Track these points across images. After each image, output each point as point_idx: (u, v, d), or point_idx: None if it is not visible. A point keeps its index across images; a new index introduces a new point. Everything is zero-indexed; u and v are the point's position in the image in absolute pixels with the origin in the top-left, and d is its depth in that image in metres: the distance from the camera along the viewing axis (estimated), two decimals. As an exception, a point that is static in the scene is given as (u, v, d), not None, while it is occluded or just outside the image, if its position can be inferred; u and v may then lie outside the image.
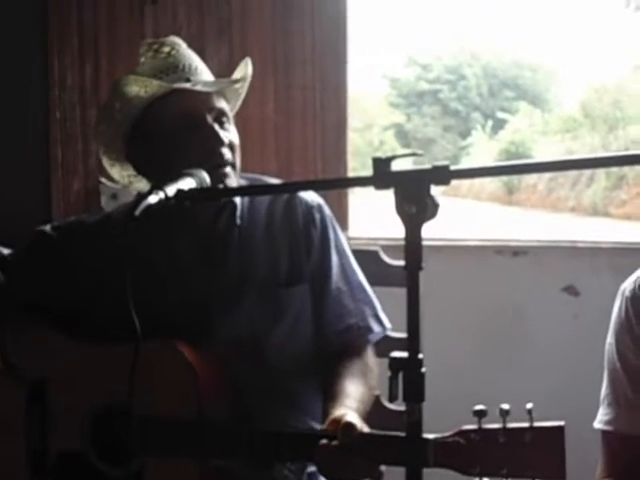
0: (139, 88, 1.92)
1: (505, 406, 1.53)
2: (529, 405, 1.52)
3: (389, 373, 1.43)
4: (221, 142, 1.93)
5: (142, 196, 1.54)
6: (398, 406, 2.00)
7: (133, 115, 1.97)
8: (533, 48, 12.82)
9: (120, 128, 2.00)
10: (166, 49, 2.00)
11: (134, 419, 1.52)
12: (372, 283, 2.15)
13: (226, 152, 1.93)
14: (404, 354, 1.42)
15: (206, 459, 1.80)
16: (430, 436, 1.56)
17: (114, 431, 1.85)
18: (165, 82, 1.94)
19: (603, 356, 2.07)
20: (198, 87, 1.93)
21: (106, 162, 2.09)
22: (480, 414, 1.55)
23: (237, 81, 2.02)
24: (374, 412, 2.00)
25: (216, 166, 1.87)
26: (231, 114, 2.04)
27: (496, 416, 1.56)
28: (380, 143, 11.54)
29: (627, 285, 2.02)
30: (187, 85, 1.93)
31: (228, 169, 1.93)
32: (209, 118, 1.94)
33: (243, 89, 2.08)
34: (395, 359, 1.43)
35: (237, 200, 2.04)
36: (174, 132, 1.92)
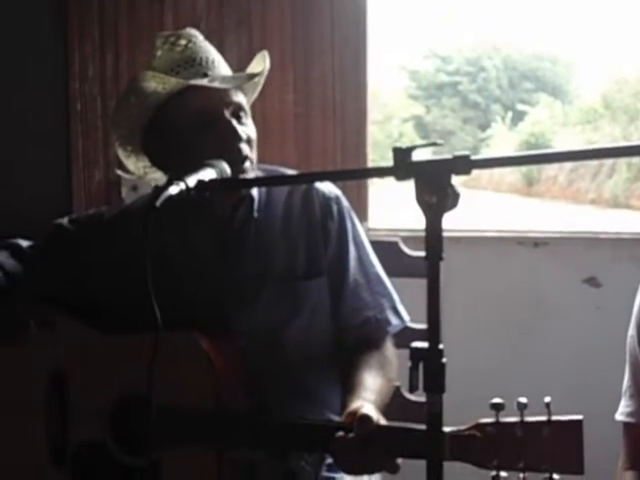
0: (157, 84, 1.91)
1: (523, 399, 1.52)
2: (547, 399, 1.51)
3: (409, 364, 1.43)
4: (239, 138, 1.92)
5: (161, 187, 1.53)
6: (418, 397, 2.00)
7: (150, 110, 1.97)
8: (553, 40, 12.75)
9: (137, 121, 2.00)
10: (183, 42, 1.99)
11: (152, 410, 1.52)
12: (392, 274, 2.14)
13: (244, 147, 1.92)
14: (425, 344, 1.41)
15: (223, 450, 1.81)
16: (447, 429, 1.55)
17: (132, 421, 1.86)
18: (182, 77, 1.93)
19: (625, 348, 2.05)
20: (215, 84, 1.91)
21: (121, 153, 2.08)
22: (497, 407, 1.54)
23: (255, 75, 2.00)
24: (395, 403, 2.00)
25: (234, 162, 1.84)
26: (248, 106, 2.04)
27: (515, 409, 1.55)
28: (399, 135, 11.52)
29: None
30: (204, 82, 1.92)
31: (247, 164, 1.92)
32: (227, 113, 1.93)
33: (260, 82, 2.07)
34: (416, 349, 1.42)
35: (254, 193, 2.03)
36: (191, 128, 1.91)
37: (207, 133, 1.90)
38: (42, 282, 2.05)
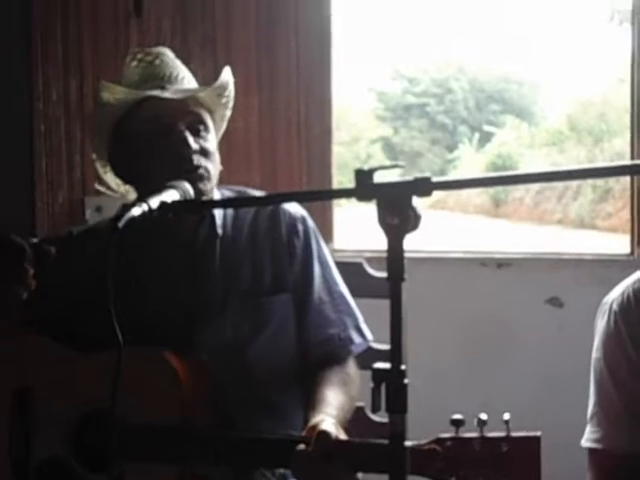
0: (109, 95, 1.94)
1: (483, 416, 1.53)
2: (506, 415, 1.52)
3: (372, 384, 1.43)
4: (189, 148, 1.93)
5: (125, 208, 1.55)
6: (382, 417, 2.00)
7: (109, 121, 1.99)
8: (519, 62, 12.90)
9: (102, 133, 2.02)
10: (149, 58, 2.01)
11: (115, 425, 1.52)
12: (356, 295, 2.15)
13: (196, 158, 1.93)
14: (387, 365, 1.42)
15: (186, 466, 1.80)
16: (406, 443, 1.56)
17: (96, 438, 1.85)
18: (138, 90, 1.95)
19: (588, 367, 2.05)
20: (166, 94, 1.93)
21: (100, 170, 2.10)
22: (457, 423, 1.55)
23: (205, 89, 2.00)
24: (358, 423, 2.00)
25: (187, 172, 1.87)
26: (217, 125, 2.06)
27: (476, 426, 1.56)
28: (367, 156, 11.59)
29: (614, 298, 1.98)
30: (154, 93, 1.94)
31: (200, 172, 1.93)
32: (181, 124, 1.94)
33: (227, 99, 2.08)
34: (378, 370, 1.42)
35: (216, 212, 2.04)
36: (146, 138, 1.94)
37: (160, 143, 1.93)
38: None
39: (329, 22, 3.20)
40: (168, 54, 2.04)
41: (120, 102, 1.95)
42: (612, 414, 1.96)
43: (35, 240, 2.12)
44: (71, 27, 3.22)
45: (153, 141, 1.93)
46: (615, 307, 1.97)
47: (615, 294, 1.99)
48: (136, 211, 1.55)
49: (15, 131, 3.25)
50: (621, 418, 1.94)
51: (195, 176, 1.90)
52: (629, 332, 1.94)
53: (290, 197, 2.11)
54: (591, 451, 1.98)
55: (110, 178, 2.11)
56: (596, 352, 2.01)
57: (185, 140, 1.93)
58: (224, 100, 2.07)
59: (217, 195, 2.04)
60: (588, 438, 1.98)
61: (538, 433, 1.54)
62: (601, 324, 2.00)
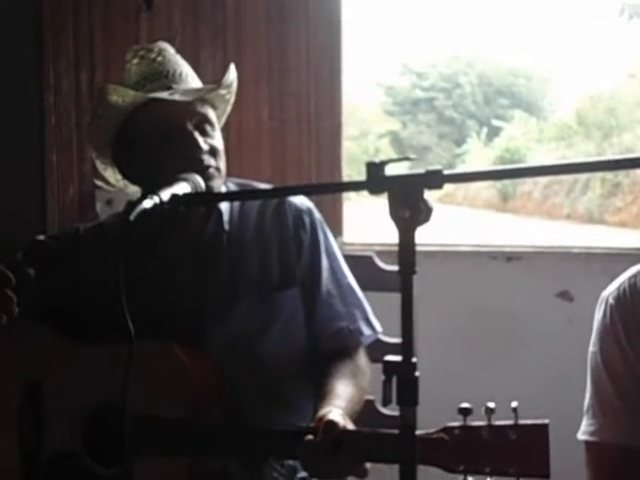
0: (117, 97, 1.94)
1: (491, 404, 1.54)
2: (514, 404, 1.53)
3: (383, 377, 1.43)
4: (200, 149, 1.94)
5: (135, 201, 1.53)
6: (392, 411, 2.00)
7: (115, 122, 1.99)
8: (528, 56, 12.87)
9: (105, 134, 2.02)
10: (152, 55, 2.01)
11: (127, 419, 1.52)
12: (367, 288, 2.15)
13: (206, 158, 1.94)
14: (398, 358, 1.42)
15: (196, 459, 1.81)
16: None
17: (107, 431, 1.85)
18: (147, 90, 1.96)
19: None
20: (176, 96, 1.93)
21: (99, 166, 2.11)
22: (465, 412, 1.56)
23: (215, 88, 2.01)
24: (368, 417, 2.00)
25: (197, 172, 1.85)
26: (218, 120, 2.06)
27: (483, 414, 1.56)
28: (376, 151, 11.57)
29: (610, 292, 1.98)
30: (164, 94, 1.93)
31: (211, 172, 1.94)
32: (189, 125, 1.95)
33: (230, 94, 2.08)
34: (389, 363, 1.42)
35: (223, 206, 2.04)
36: (154, 140, 1.94)
37: (169, 145, 1.93)
38: (25, 295, 2.04)
39: (339, 16, 3.20)
40: (169, 49, 2.05)
41: (127, 104, 1.95)
42: (608, 407, 1.96)
43: (42, 237, 2.14)
44: (82, 20, 3.22)
45: (162, 143, 1.93)
46: (611, 300, 1.97)
47: (612, 287, 2.00)
48: (147, 203, 1.53)
49: (26, 124, 3.25)
50: (616, 411, 1.94)
51: (206, 175, 1.90)
52: (624, 325, 1.95)
53: (302, 190, 2.11)
54: (587, 444, 1.98)
55: (109, 174, 2.12)
56: (593, 346, 2.01)
57: (195, 141, 1.94)
58: (227, 96, 2.08)
59: (223, 189, 2.04)
60: (585, 431, 1.99)
61: (546, 421, 1.54)
62: (598, 317, 2.01)
